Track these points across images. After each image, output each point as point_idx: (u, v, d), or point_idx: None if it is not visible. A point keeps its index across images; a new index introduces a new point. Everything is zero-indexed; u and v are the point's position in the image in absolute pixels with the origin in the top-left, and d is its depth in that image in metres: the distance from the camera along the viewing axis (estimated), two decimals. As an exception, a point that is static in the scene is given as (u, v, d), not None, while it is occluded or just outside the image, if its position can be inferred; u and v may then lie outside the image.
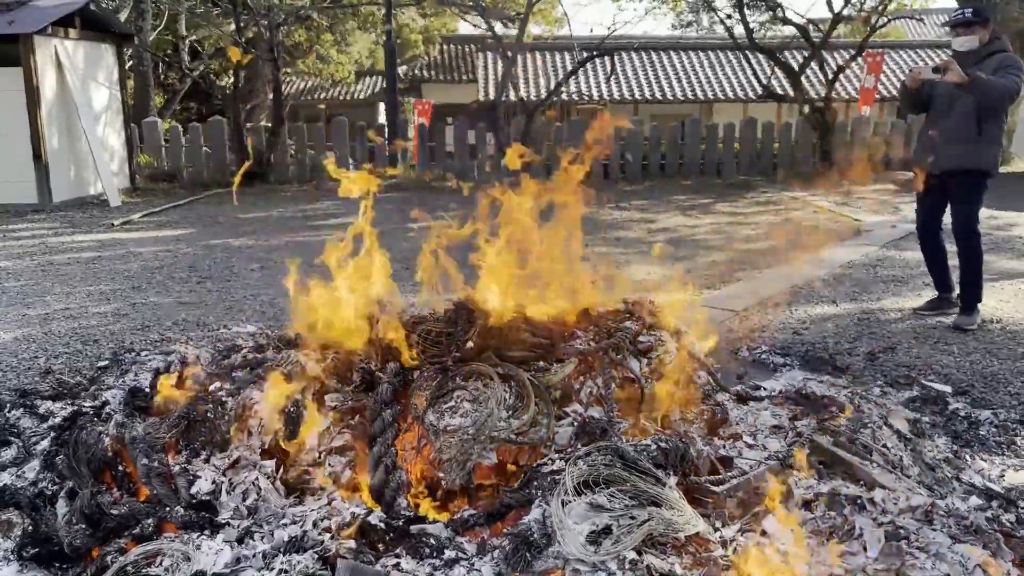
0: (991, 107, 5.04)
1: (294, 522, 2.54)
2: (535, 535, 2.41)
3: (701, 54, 23.56)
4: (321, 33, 20.89)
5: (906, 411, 3.71)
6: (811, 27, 16.10)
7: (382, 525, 2.58)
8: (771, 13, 16.97)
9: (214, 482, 2.71)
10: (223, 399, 2.94)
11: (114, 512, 2.62)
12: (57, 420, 3.45)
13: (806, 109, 15.36)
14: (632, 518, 2.43)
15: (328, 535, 2.46)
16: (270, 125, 15.14)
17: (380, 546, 2.53)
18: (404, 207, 11.73)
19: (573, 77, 18.50)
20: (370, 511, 2.63)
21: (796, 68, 15.82)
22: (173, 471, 2.73)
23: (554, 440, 2.82)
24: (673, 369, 3.16)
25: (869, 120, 15.96)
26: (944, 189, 5.35)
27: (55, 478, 2.91)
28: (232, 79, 16.63)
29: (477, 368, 2.92)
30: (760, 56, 16.71)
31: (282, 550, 2.36)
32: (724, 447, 3.10)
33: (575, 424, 2.86)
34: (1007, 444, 3.60)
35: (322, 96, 27.32)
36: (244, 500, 2.66)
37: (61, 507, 2.70)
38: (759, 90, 17.39)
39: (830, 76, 15.50)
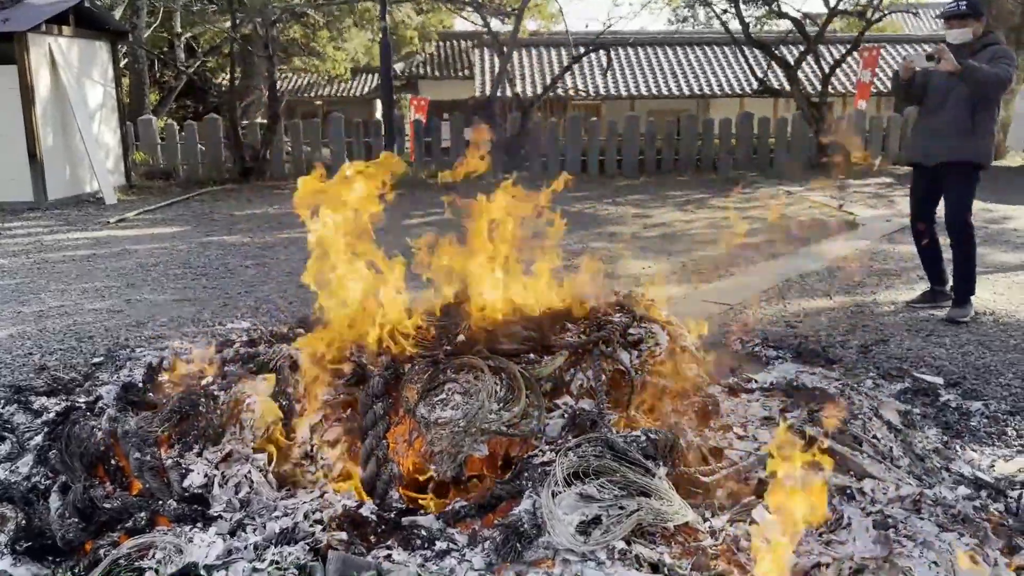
0: (984, 96, 5.06)
1: (286, 514, 2.55)
2: (525, 526, 2.43)
3: (697, 49, 23.55)
4: (317, 30, 20.88)
5: (897, 403, 3.73)
6: (807, 21, 16.11)
7: (373, 517, 2.60)
8: (767, 7, 16.99)
9: (206, 475, 2.72)
10: (216, 393, 2.95)
11: (107, 506, 2.63)
12: (51, 415, 3.46)
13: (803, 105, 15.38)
14: (621, 508, 2.45)
15: (319, 527, 2.47)
16: (266, 122, 15.13)
17: (372, 538, 2.54)
18: (400, 203, 11.77)
19: (569, 73, 18.49)
20: (361, 503, 2.65)
21: (792, 63, 15.83)
22: (166, 465, 2.74)
23: (545, 432, 2.83)
24: (663, 361, 3.17)
25: (865, 114, 15.98)
26: (937, 181, 5.37)
27: (48, 472, 2.92)
28: (228, 76, 16.60)
29: (468, 361, 2.93)
30: (756, 51, 16.72)
31: (274, 542, 2.38)
32: (714, 438, 3.12)
33: (566, 416, 2.88)
34: (997, 435, 3.62)
35: (318, 93, 27.31)
36: (236, 493, 2.68)
37: (54, 501, 2.71)
38: (755, 85, 17.39)
39: (826, 71, 15.51)
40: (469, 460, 2.78)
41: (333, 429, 2.85)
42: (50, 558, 2.61)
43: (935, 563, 2.41)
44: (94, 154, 11.94)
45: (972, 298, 5.41)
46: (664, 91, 21.81)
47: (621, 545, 2.35)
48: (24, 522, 2.70)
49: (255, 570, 2.22)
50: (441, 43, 26.99)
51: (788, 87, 16.25)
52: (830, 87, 15.81)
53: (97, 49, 12.87)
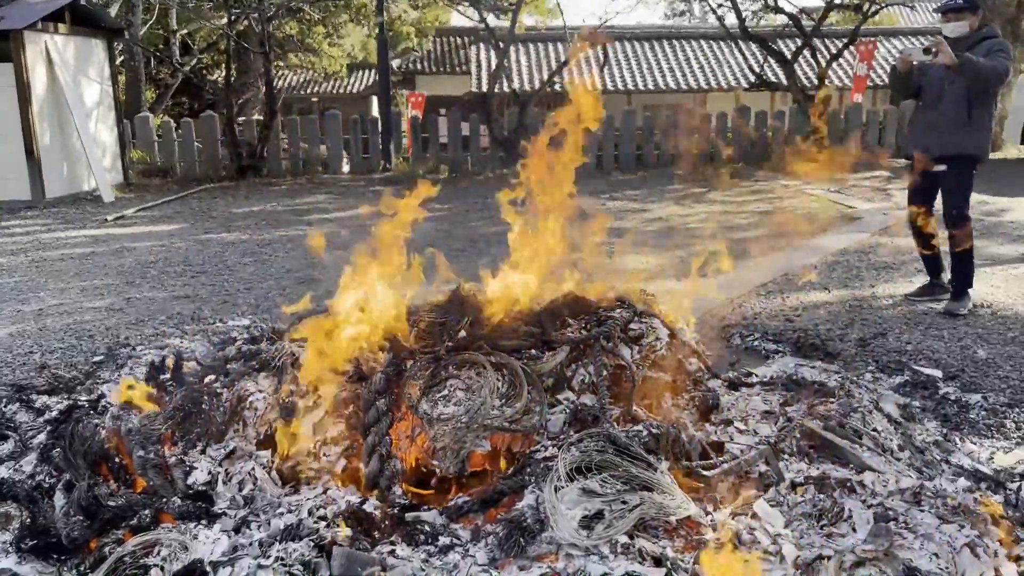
0: (981, 90, 5.07)
1: (290, 511, 2.57)
2: (529, 520, 2.44)
3: (694, 43, 23.54)
4: (312, 26, 20.84)
5: (896, 395, 3.75)
6: (803, 15, 16.12)
7: (377, 513, 2.61)
8: (763, 1, 16.99)
9: (210, 473, 2.73)
10: (218, 391, 2.96)
11: (111, 504, 2.64)
12: (53, 414, 3.47)
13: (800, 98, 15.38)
14: (624, 503, 2.46)
15: (324, 523, 2.48)
16: (262, 119, 15.12)
17: (375, 534, 2.56)
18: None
19: (566, 67, 18.47)
20: (364, 499, 2.66)
21: (789, 56, 15.83)
22: (169, 462, 2.75)
23: (547, 427, 2.84)
24: (664, 356, 3.19)
25: (862, 108, 15.99)
26: (935, 175, 5.38)
27: (52, 471, 2.93)
28: (224, 73, 16.58)
29: (470, 357, 2.95)
30: (753, 45, 16.72)
31: (278, 538, 2.39)
32: (715, 432, 3.13)
33: (567, 411, 2.89)
34: (996, 427, 3.64)
35: (315, 90, 27.26)
36: (240, 490, 2.69)
37: (59, 499, 2.72)
38: (752, 79, 17.39)
39: (823, 64, 15.52)
40: (471, 456, 2.79)
41: (336, 426, 2.86)
42: (55, 556, 2.62)
43: (936, 555, 2.42)
44: (91, 152, 11.93)
45: (970, 291, 5.43)
46: (661, 85, 21.81)
47: (624, 539, 2.36)
48: (29, 520, 2.71)
49: (260, 567, 2.23)
50: (437, 39, 26.96)
51: (785, 81, 16.26)
52: (827, 80, 15.82)
53: (93, 47, 12.84)
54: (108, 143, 13.07)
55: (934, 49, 4.93)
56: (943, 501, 2.68)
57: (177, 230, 9.49)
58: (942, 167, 5.25)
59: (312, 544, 2.35)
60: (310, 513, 2.50)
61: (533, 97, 16.16)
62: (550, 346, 3.06)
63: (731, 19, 16.61)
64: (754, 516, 2.63)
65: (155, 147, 14.72)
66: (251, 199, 12.05)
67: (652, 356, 3.12)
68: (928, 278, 5.79)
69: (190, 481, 2.71)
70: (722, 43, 22.35)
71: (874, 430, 3.23)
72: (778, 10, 16.59)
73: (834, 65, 16.48)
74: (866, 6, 16.08)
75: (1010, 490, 2.97)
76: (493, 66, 17.79)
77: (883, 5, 17.12)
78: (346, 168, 15.04)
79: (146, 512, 2.60)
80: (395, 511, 2.64)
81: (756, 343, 4.85)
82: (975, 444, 3.47)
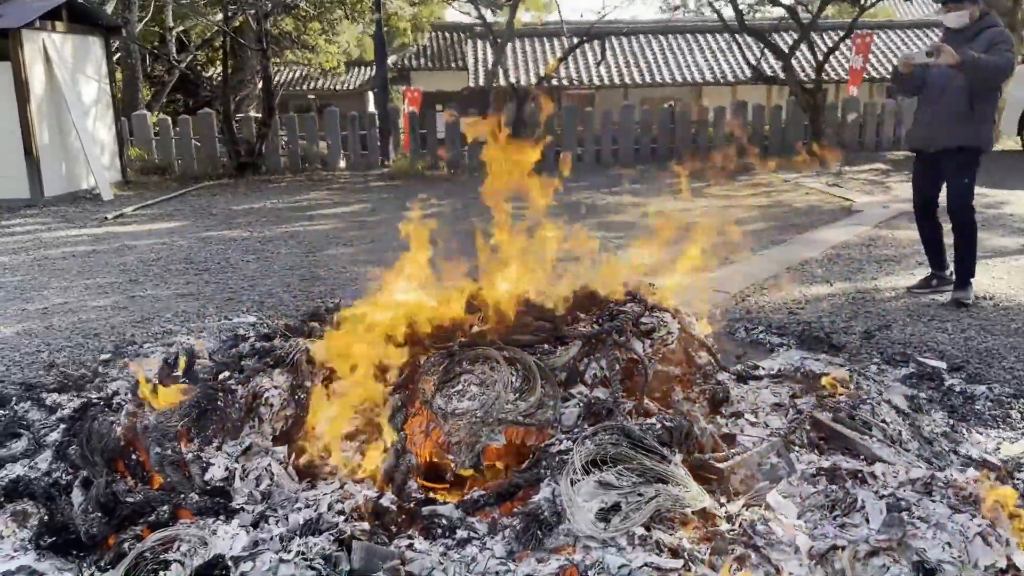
0: (985, 86, 5.10)
1: (307, 506, 2.58)
2: (545, 513, 2.46)
3: (690, 37, 23.56)
4: (308, 22, 20.79)
5: (904, 387, 3.77)
6: (800, 8, 16.12)
7: (393, 507, 2.63)
8: (760, -5, 16.99)
9: (227, 469, 2.75)
10: (233, 387, 2.97)
11: (129, 500, 2.65)
12: (66, 412, 3.48)
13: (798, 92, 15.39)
14: (640, 495, 2.49)
15: (342, 518, 2.50)
16: (260, 116, 15.10)
17: (393, 528, 2.58)
18: (398, 196, 11.77)
19: (563, 63, 18.49)
20: (381, 494, 2.68)
21: (786, 50, 15.84)
22: (186, 458, 2.77)
23: (560, 421, 2.86)
24: (675, 349, 3.21)
25: (859, 100, 16.01)
26: (939, 168, 5.41)
27: (68, 468, 2.94)
28: (219, 70, 16.55)
29: (483, 352, 2.96)
30: (749, 38, 16.72)
31: (298, 533, 2.41)
32: (726, 425, 3.16)
33: (581, 405, 2.91)
34: (1002, 417, 3.67)
35: (311, 86, 27.23)
36: (258, 486, 2.71)
37: (76, 496, 2.73)
38: (749, 73, 17.41)
39: (820, 57, 15.53)
40: (486, 450, 2.81)
41: (351, 421, 2.88)
42: (74, 552, 2.63)
43: (948, 544, 2.45)
44: (90, 150, 11.91)
45: (972, 280, 5.46)
46: (658, 80, 21.83)
47: (641, 531, 2.39)
48: (47, 517, 2.72)
49: (282, 561, 2.25)
50: (433, 34, 26.94)
51: (782, 74, 16.27)
52: (824, 74, 15.83)
53: (90, 44, 12.81)
54: (106, 141, 13.05)
55: (936, 51, 4.94)
56: (954, 491, 2.70)
57: (178, 228, 9.49)
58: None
59: (332, 538, 2.37)
60: (329, 508, 2.52)
61: (531, 92, 16.16)
62: (562, 341, 3.09)
63: (728, 12, 16.58)
64: (767, 507, 2.65)
65: (153, 145, 14.70)
66: (251, 196, 12.05)
67: (663, 350, 3.14)
68: (930, 270, 5.81)
69: (207, 477, 2.72)
70: (719, 37, 22.35)
71: (883, 421, 3.26)
72: (775, 3, 16.58)
73: (831, 58, 16.47)
74: (863, -1, 16.11)
75: (1018, 480, 3.00)
76: (490, 62, 17.79)
77: (879, -2, 17.14)
78: (342, 164, 15.03)
79: (164, 508, 2.61)
80: (411, 505, 2.66)
81: (761, 336, 4.87)
82: (982, 435, 3.50)
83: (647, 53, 22.93)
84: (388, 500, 2.63)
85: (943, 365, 4.29)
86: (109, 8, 17.08)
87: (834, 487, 2.77)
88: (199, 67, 22.54)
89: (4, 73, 10.89)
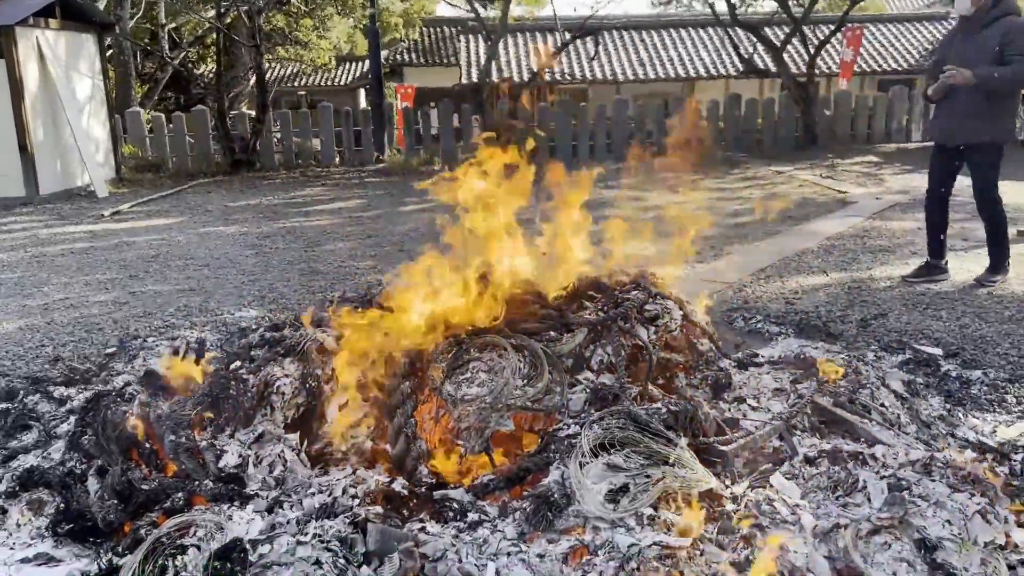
0: (1002, 95, 5.20)
1: (321, 491, 2.63)
2: (555, 496, 2.52)
3: (683, 31, 23.59)
4: (300, 18, 20.79)
5: (901, 372, 3.84)
6: (792, 2, 16.18)
7: (405, 492, 2.68)
8: (752, -12, 17.05)
9: (241, 456, 2.79)
10: (244, 376, 3.02)
11: (144, 487, 2.70)
12: (76, 403, 3.52)
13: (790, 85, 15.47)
14: (647, 476, 2.54)
15: (356, 502, 2.55)
16: (254, 112, 15.10)
17: (404, 511, 2.63)
18: (393, 192, 11.80)
19: (556, 58, 18.51)
20: (393, 479, 2.73)
21: (778, 43, 15.91)
22: (200, 446, 2.81)
23: (568, 406, 2.92)
24: (678, 336, 3.26)
25: (850, 93, 16.10)
26: (955, 160, 5.48)
27: (82, 457, 2.99)
28: (212, 67, 16.53)
29: (491, 340, 3.01)
30: (742, 32, 16.78)
31: (314, 516, 2.45)
32: (729, 410, 3.22)
33: (587, 391, 2.96)
34: (998, 401, 3.74)
35: (303, 83, 27.20)
36: (271, 472, 2.75)
37: (92, 484, 2.77)
38: (741, 66, 17.48)
39: (812, 51, 15.61)
40: (495, 435, 2.86)
41: (361, 408, 2.93)
42: (91, 539, 2.68)
43: (948, 522, 2.51)
44: (84, 147, 11.91)
45: (1007, 263, 5.65)
46: (650, 74, 21.85)
47: (649, 511, 2.44)
48: (63, 505, 2.76)
49: (299, 543, 2.29)
50: (425, 29, 26.92)
51: (774, 68, 16.34)
52: (816, 67, 15.91)
53: (84, 41, 12.80)
54: (100, 138, 13.04)
55: (950, 80, 5.10)
56: (953, 471, 2.77)
57: (175, 224, 9.51)
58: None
59: (347, 521, 2.41)
60: (343, 492, 2.57)
61: (525, 87, 16.19)
62: (568, 328, 3.14)
63: (720, 6, 16.66)
64: (771, 488, 2.71)
65: (147, 142, 14.69)
66: (246, 193, 12.06)
67: (667, 337, 3.20)
68: (926, 259, 5.88)
69: (221, 464, 2.77)
70: (711, 30, 22.40)
71: (882, 405, 3.33)
72: (767, -3, 16.68)
73: (822, 51, 16.55)
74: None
75: (1015, 461, 3.07)
76: (482, 57, 17.81)
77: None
78: (336, 160, 15.05)
79: (179, 495, 2.65)
80: (422, 490, 2.71)
81: (759, 325, 4.93)
82: (978, 418, 3.57)
83: (640, 48, 22.96)
84: (400, 485, 2.68)
85: (939, 352, 4.36)
86: (102, 5, 17.03)
87: (836, 468, 2.83)
88: (191, 64, 22.47)
89: (-2, 70, 10.89)
